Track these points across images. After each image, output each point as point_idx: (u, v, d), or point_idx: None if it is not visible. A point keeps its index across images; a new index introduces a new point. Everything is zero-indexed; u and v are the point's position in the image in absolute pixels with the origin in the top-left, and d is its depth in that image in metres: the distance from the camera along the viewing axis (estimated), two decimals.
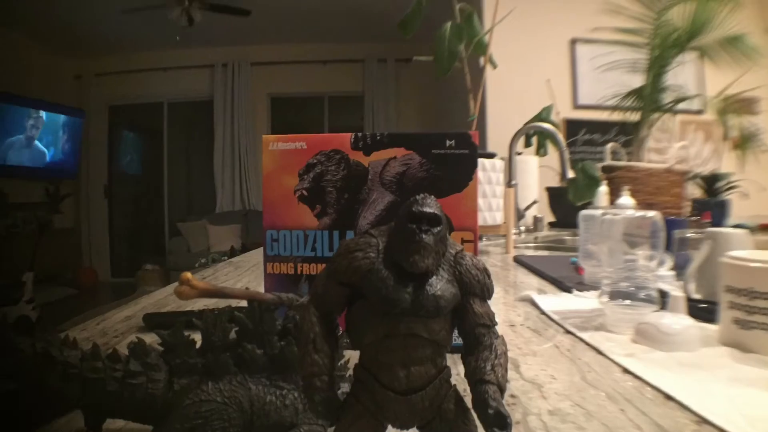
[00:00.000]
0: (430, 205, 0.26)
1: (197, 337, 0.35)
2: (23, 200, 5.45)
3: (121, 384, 0.32)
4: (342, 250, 0.28)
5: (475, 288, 0.28)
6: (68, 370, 0.32)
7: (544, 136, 1.95)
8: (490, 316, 0.28)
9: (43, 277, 5.01)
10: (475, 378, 0.26)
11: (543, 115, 1.87)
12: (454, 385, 0.28)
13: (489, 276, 0.29)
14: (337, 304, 0.28)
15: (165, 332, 0.35)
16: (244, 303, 0.37)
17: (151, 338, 0.37)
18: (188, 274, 0.35)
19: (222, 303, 0.38)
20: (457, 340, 0.28)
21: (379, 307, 0.26)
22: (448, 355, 0.28)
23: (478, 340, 0.28)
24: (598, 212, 0.95)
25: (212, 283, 0.36)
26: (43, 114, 5.78)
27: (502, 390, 0.26)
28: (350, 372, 0.30)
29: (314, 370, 0.27)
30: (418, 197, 0.27)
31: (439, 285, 0.26)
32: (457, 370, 0.50)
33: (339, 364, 0.36)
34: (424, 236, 0.26)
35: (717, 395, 0.44)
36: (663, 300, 0.65)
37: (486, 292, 0.28)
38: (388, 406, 0.27)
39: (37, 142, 5.76)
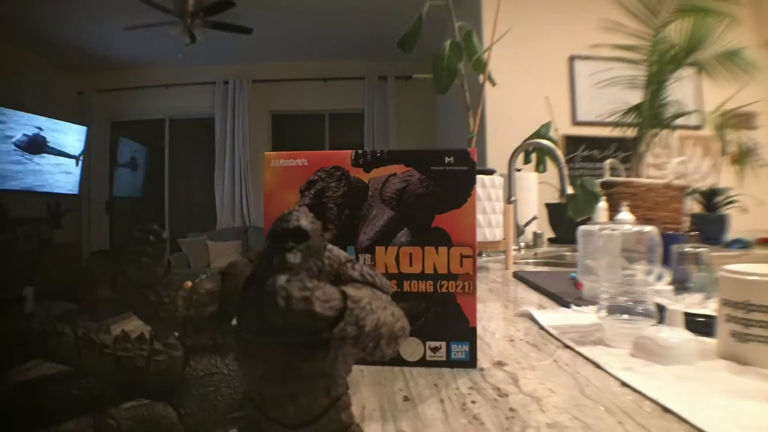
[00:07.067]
0: (294, 220, 0.24)
1: None
2: (24, 215, 5.45)
3: (147, 361, 0.39)
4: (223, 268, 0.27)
5: (354, 278, 0.25)
6: (104, 350, 0.38)
7: (544, 153, 1.96)
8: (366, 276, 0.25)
9: (44, 292, 5.00)
10: None
11: (542, 132, 1.89)
12: (357, 423, 0.26)
13: (376, 276, 0.26)
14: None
15: None
16: None
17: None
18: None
19: None
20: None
21: (251, 336, 0.24)
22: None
23: None
24: (597, 228, 0.95)
25: None
26: (44, 129, 5.80)
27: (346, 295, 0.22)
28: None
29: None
30: (284, 213, 0.25)
31: None
32: (456, 384, 0.50)
33: None
34: (289, 255, 0.23)
35: (715, 408, 0.45)
36: (661, 314, 0.66)
37: (368, 278, 0.25)
38: None
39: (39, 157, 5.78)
